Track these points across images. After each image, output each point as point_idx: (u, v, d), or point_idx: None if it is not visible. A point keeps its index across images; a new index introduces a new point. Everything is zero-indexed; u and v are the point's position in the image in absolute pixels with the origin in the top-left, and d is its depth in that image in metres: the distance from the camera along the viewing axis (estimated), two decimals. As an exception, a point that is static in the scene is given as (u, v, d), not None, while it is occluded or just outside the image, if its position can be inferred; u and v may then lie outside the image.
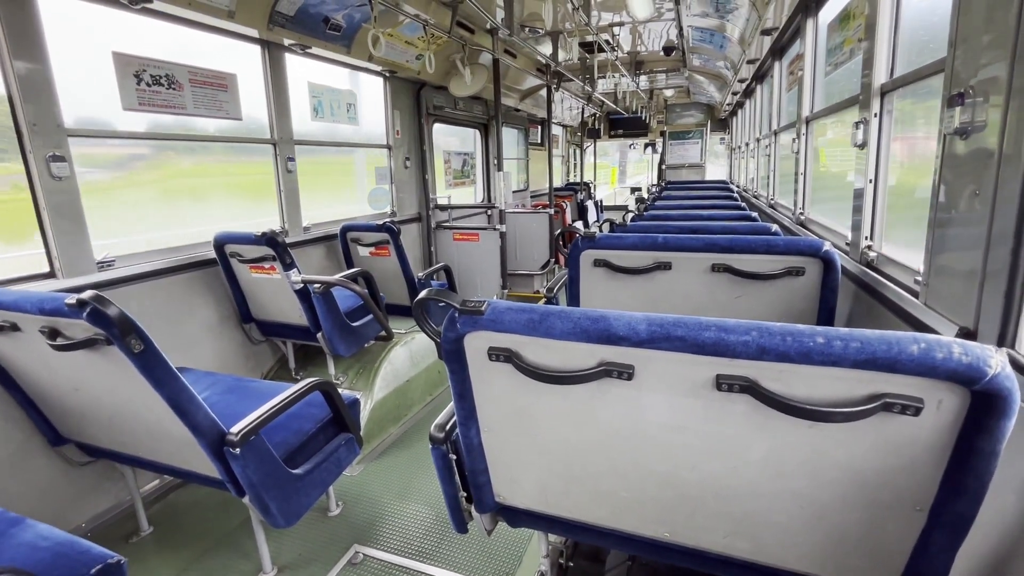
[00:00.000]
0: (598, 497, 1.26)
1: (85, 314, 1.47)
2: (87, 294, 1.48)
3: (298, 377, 3.64)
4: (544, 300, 2.57)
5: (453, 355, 1.15)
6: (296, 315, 3.19)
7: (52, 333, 1.65)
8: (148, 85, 2.85)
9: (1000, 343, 1.20)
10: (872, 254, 2.24)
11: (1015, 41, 1.14)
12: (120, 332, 1.49)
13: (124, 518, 2.54)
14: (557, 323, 1.01)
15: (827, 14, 3.37)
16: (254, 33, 3.42)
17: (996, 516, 1.08)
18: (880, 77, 2.17)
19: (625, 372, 1.00)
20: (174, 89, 2.99)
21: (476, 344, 1.13)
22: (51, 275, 2.51)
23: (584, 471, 1.23)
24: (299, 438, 2.10)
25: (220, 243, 3.12)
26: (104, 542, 1.50)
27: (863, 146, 2.27)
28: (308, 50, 3.83)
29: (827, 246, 1.96)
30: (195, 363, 3.09)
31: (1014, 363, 0.80)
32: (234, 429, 1.74)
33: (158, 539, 2.43)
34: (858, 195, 2.35)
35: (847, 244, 2.54)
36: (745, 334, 0.88)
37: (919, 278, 1.67)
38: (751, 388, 0.92)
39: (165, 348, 1.64)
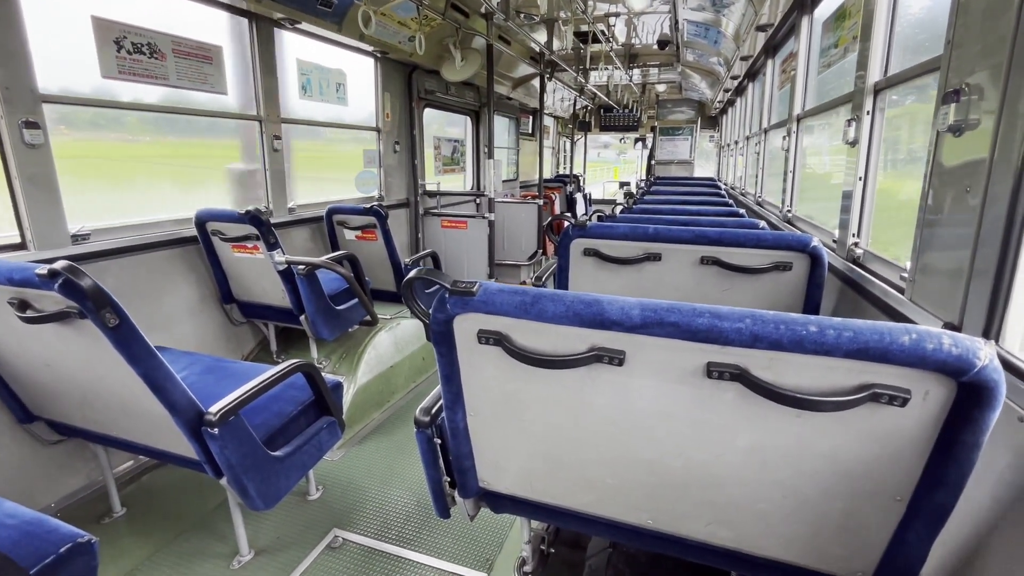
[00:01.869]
0: (583, 483, 1.26)
1: (57, 285, 1.41)
2: (59, 264, 1.42)
3: (280, 360, 3.58)
4: None
5: (441, 337, 1.13)
6: (279, 297, 3.13)
7: (22, 305, 1.58)
8: (129, 53, 2.75)
9: (984, 338, 1.22)
10: (859, 251, 2.27)
11: (1013, 41, 1.15)
12: (94, 305, 1.44)
13: (96, 499, 2.47)
14: (549, 306, 1.00)
15: (823, 12, 3.38)
16: (242, 4, 3.31)
17: (972, 507, 1.10)
18: (874, 75, 2.18)
19: (616, 358, 0.99)
20: (156, 58, 2.88)
21: (465, 326, 1.11)
22: (22, 247, 2.42)
23: (570, 457, 1.22)
24: (280, 420, 2.07)
25: (202, 220, 3.04)
26: (74, 523, 1.45)
27: (854, 143, 2.28)
28: (297, 25, 3.73)
29: (815, 241, 1.98)
30: (173, 343, 3.02)
31: (999, 357, 0.81)
32: (213, 408, 1.70)
33: (131, 520, 2.38)
34: (847, 193, 2.38)
35: (834, 241, 2.57)
36: (739, 321, 0.87)
37: (905, 274, 1.69)
38: (741, 376, 0.91)
39: (142, 326, 1.59)
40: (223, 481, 1.83)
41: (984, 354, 0.78)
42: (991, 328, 1.20)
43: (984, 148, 1.23)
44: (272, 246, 2.91)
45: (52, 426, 2.20)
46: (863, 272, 2.09)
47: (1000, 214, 1.17)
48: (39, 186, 2.41)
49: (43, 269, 1.42)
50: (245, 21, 3.49)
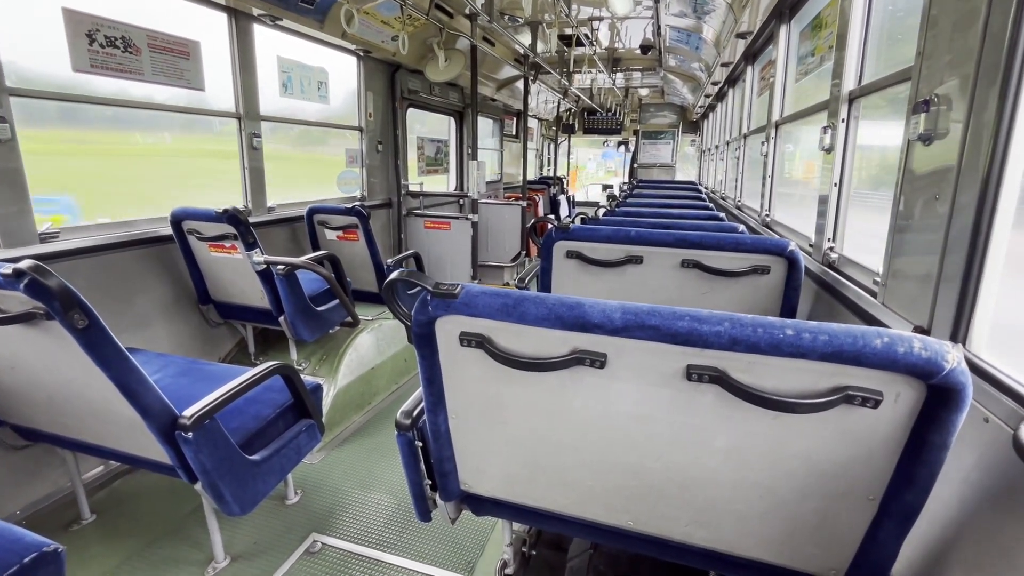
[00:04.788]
0: (564, 486, 1.26)
1: (23, 285, 1.36)
2: (25, 263, 1.37)
3: (258, 362, 3.52)
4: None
5: (423, 339, 1.12)
6: (258, 297, 3.07)
7: (-15, 305, 1.52)
8: (102, 47, 2.67)
9: (952, 342, 1.26)
10: (834, 255, 2.32)
11: (979, 53, 1.19)
12: (61, 306, 1.39)
13: (64, 505, 2.39)
14: (531, 308, 1.00)
15: (800, 21, 3.46)
16: (220, -1, 3.25)
17: (941, 506, 1.14)
18: (849, 83, 2.24)
19: (598, 360, 1.00)
20: (130, 53, 2.81)
21: (447, 328, 1.10)
22: (-14, 245, 2.34)
23: (551, 459, 1.22)
24: (257, 423, 2.03)
25: (177, 219, 2.97)
26: (41, 531, 1.40)
27: (830, 150, 2.34)
28: (278, 22, 3.67)
29: (792, 246, 2.02)
30: (147, 344, 2.94)
31: (965, 360, 0.83)
32: (187, 412, 1.66)
33: (101, 527, 2.31)
34: (823, 198, 2.43)
35: (810, 245, 2.62)
36: (718, 324, 0.88)
37: (878, 279, 1.74)
38: (720, 378, 0.92)
39: (114, 327, 1.54)
40: (197, 486, 1.79)
41: (952, 357, 0.80)
42: (959, 331, 1.24)
43: (952, 157, 1.27)
44: (250, 246, 2.85)
45: (18, 431, 2.12)
46: (838, 276, 2.14)
47: (967, 221, 1.21)
48: (6, 182, 2.33)
49: (8, 268, 1.37)
50: (224, 16, 3.43)
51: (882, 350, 0.82)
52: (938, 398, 0.84)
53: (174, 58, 3.04)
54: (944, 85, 1.33)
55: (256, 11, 3.46)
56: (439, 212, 5.84)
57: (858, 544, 1.05)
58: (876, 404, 0.87)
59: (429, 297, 1.06)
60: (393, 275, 1.13)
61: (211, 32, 3.36)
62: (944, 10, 1.36)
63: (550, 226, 2.31)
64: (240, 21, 3.48)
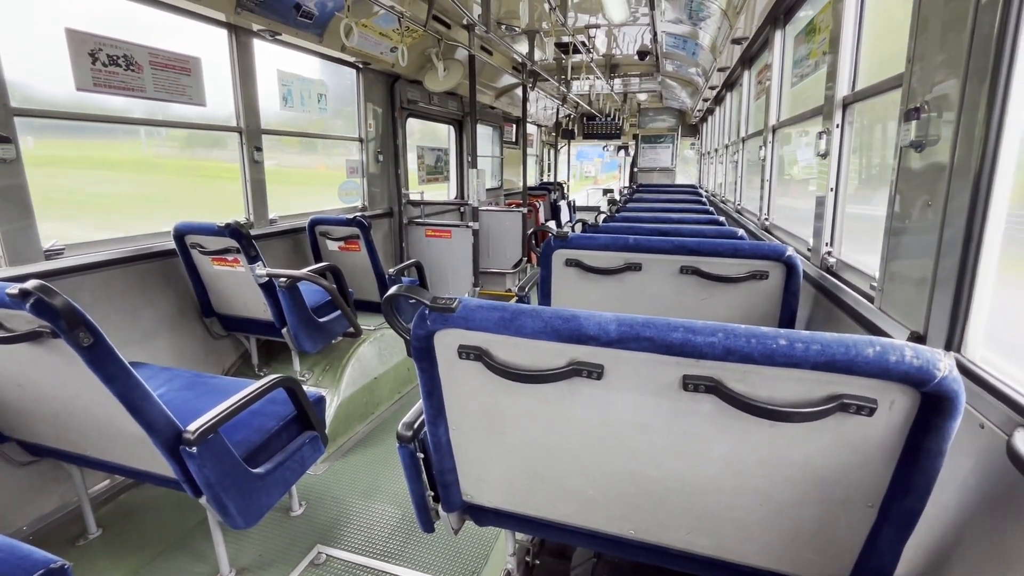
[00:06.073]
0: (565, 495, 1.27)
1: (28, 305, 1.38)
2: (31, 283, 1.39)
3: (261, 373, 3.53)
4: (515, 299, 2.57)
5: (422, 352, 1.14)
6: (260, 309, 3.09)
7: (-8, 324, 1.55)
8: (104, 65, 2.71)
9: (947, 347, 1.26)
10: (832, 260, 2.33)
11: (967, 60, 1.20)
12: (67, 325, 1.41)
13: (70, 520, 2.41)
14: (528, 322, 1.01)
15: (795, 27, 3.48)
16: (221, 16, 3.29)
17: (940, 511, 1.14)
18: (843, 89, 2.25)
19: (595, 372, 1.01)
20: (133, 70, 2.85)
21: (446, 342, 1.11)
22: (-7, 263, 2.37)
23: (551, 470, 1.23)
24: (261, 436, 2.04)
25: (180, 233, 3.00)
26: (48, 546, 1.42)
27: (825, 155, 2.35)
28: (278, 37, 3.72)
29: (790, 251, 2.02)
30: (152, 358, 2.97)
31: (960, 366, 0.84)
32: (191, 427, 1.68)
33: (107, 542, 2.32)
34: (820, 203, 2.44)
35: (808, 250, 2.63)
36: (712, 335, 0.90)
37: (874, 284, 1.74)
38: (716, 388, 0.93)
39: (119, 342, 1.56)
40: (202, 500, 1.80)
41: (944, 365, 0.81)
42: (954, 337, 1.25)
43: (943, 163, 1.28)
44: (253, 259, 2.88)
45: (24, 446, 2.14)
46: (836, 281, 2.15)
47: (959, 227, 1.22)
48: (11, 201, 2.36)
49: (14, 288, 1.39)
50: (225, 32, 3.47)
51: (874, 359, 0.83)
52: (932, 405, 0.85)
53: (176, 75, 3.08)
54: (934, 91, 1.34)
55: (256, 27, 3.50)
56: (440, 220, 5.87)
57: (859, 550, 1.05)
58: (871, 412, 0.88)
59: (427, 311, 1.08)
60: (392, 290, 1.15)
61: (211, 47, 3.40)
62: (933, 15, 1.38)
63: (549, 234, 2.32)
64: (240, 37, 3.53)
